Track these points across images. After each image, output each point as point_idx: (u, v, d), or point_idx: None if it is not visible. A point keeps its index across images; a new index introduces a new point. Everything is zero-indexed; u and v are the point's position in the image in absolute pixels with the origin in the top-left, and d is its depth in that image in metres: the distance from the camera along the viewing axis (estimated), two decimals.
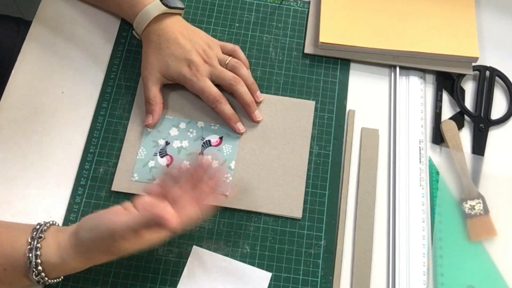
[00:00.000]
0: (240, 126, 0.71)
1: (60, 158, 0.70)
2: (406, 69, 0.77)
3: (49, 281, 0.57)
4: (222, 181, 0.65)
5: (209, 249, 0.66)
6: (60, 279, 0.59)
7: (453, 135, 0.73)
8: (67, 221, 0.66)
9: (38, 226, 0.57)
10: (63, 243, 0.56)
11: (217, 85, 0.71)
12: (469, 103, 0.77)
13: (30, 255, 0.55)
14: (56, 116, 0.72)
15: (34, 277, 0.55)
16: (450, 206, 0.70)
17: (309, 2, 0.81)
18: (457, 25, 0.78)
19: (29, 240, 0.56)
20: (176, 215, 0.54)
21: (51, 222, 0.59)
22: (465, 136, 0.75)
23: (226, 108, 0.70)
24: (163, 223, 0.53)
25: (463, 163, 0.72)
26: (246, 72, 0.72)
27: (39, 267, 0.55)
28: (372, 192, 0.70)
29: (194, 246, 0.66)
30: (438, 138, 0.74)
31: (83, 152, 0.70)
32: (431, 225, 0.69)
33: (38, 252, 0.55)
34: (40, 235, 0.56)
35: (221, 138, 0.71)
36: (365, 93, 0.76)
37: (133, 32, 0.74)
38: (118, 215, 0.55)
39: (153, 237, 0.57)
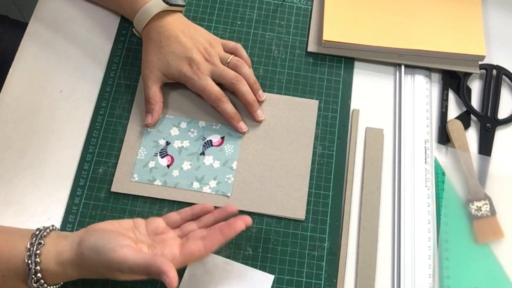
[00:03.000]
0: (242, 126, 0.71)
1: (59, 158, 0.69)
2: (412, 68, 0.77)
3: (46, 285, 0.56)
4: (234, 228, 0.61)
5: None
6: (59, 286, 0.58)
7: (459, 135, 0.73)
8: (65, 222, 0.66)
9: (37, 232, 0.57)
10: (65, 253, 0.55)
11: (219, 84, 0.71)
12: (475, 102, 0.77)
13: (29, 261, 0.54)
14: (55, 115, 0.72)
15: (33, 284, 0.55)
16: (456, 207, 0.70)
17: (312, 0, 0.80)
18: (463, 23, 0.78)
19: (28, 246, 0.55)
20: (176, 277, 0.52)
21: (50, 228, 0.58)
22: (472, 136, 0.75)
23: (228, 107, 0.70)
24: (162, 280, 0.51)
25: (469, 163, 0.72)
26: (248, 70, 0.72)
27: (39, 274, 0.54)
28: (377, 193, 0.70)
29: None
30: (444, 138, 0.74)
31: (82, 152, 0.70)
32: (437, 227, 0.69)
33: (38, 259, 0.54)
34: (39, 241, 0.55)
35: (222, 138, 0.71)
36: (369, 92, 0.76)
37: (133, 30, 0.73)
38: (122, 247, 0.53)
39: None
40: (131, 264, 0.52)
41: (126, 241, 0.54)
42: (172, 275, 0.51)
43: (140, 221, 0.60)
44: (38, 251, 0.54)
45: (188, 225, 0.61)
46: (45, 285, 0.55)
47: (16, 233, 0.58)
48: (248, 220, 0.60)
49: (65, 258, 0.55)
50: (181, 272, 0.64)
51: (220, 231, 0.58)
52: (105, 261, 0.53)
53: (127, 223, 0.59)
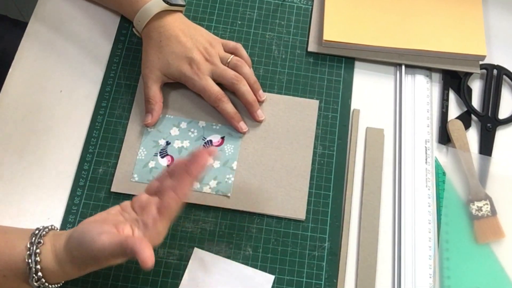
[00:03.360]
0: (242, 125, 0.71)
1: (59, 158, 0.69)
2: (412, 68, 0.77)
3: (50, 286, 0.56)
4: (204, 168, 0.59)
5: (211, 251, 0.65)
6: (60, 284, 0.58)
7: (460, 135, 0.73)
8: (65, 222, 0.66)
9: (37, 231, 0.56)
10: (59, 249, 0.55)
11: (219, 84, 0.71)
12: (476, 102, 0.77)
13: (30, 261, 0.54)
14: (55, 115, 0.71)
15: (34, 283, 0.55)
16: (456, 208, 0.70)
17: None
18: (464, 22, 0.78)
19: (28, 246, 0.55)
20: (151, 255, 0.51)
21: (50, 227, 0.58)
22: (472, 136, 0.74)
23: (228, 107, 0.70)
24: (138, 260, 0.50)
25: (470, 163, 0.71)
26: (248, 70, 0.72)
27: (39, 273, 0.54)
28: (377, 193, 0.70)
29: (195, 248, 0.65)
30: (444, 138, 0.74)
31: (81, 152, 0.70)
32: (438, 227, 0.68)
33: (38, 258, 0.54)
34: (39, 240, 0.55)
35: (223, 138, 0.71)
36: (370, 92, 0.76)
37: (133, 29, 0.73)
38: (100, 235, 0.53)
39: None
40: (110, 250, 0.52)
41: (105, 228, 0.54)
42: (145, 255, 0.50)
43: (126, 203, 0.59)
44: (38, 250, 0.54)
45: (166, 186, 0.58)
46: (46, 284, 0.55)
47: (16, 233, 0.58)
48: (212, 150, 0.58)
49: (60, 256, 0.55)
50: (181, 272, 0.64)
51: (186, 172, 0.56)
52: (89, 253, 0.53)
53: (114, 209, 0.59)
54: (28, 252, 0.54)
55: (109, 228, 0.54)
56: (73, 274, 0.56)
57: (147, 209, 0.57)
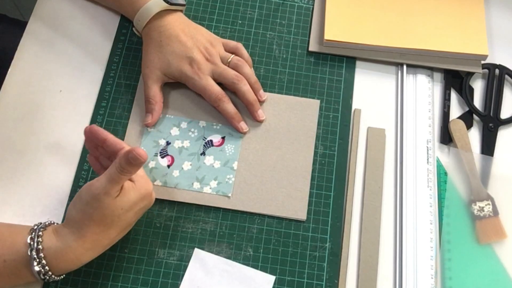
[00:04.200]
0: (243, 126, 0.70)
1: (58, 158, 0.69)
2: (414, 67, 0.77)
3: (50, 273, 0.56)
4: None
5: (211, 252, 0.65)
6: (60, 278, 0.58)
7: (462, 135, 0.73)
8: None
9: (39, 224, 0.59)
10: (60, 229, 0.57)
11: (220, 84, 0.71)
12: (478, 102, 0.76)
13: (32, 242, 0.55)
14: (54, 115, 0.71)
15: (35, 265, 0.55)
16: (458, 208, 0.70)
17: None
18: (465, 22, 0.77)
19: (30, 231, 0.57)
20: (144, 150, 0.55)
21: (52, 222, 0.60)
22: (474, 136, 0.74)
23: (229, 107, 0.70)
24: (133, 157, 0.55)
25: (472, 163, 0.71)
26: (249, 70, 0.72)
27: (41, 254, 0.55)
28: (379, 193, 0.69)
29: (195, 249, 0.65)
30: (446, 138, 0.73)
31: (81, 152, 0.70)
32: (439, 227, 0.68)
33: (40, 239, 0.56)
34: (42, 226, 0.58)
35: (223, 138, 0.70)
36: (371, 91, 0.76)
37: (133, 29, 0.73)
38: (94, 180, 0.57)
39: (135, 194, 0.58)
40: (109, 175, 0.56)
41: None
42: (138, 150, 0.55)
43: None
44: (40, 233, 0.56)
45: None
46: (47, 268, 0.56)
47: (18, 226, 0.60)
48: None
49: (61, 232, 0.57)
50: (181, 273, 0.64)
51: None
52: (89, 196, 0.56)
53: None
54: (30, 236, 0.56)
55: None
56: (77, 251, 0.56)
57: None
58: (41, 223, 0.59)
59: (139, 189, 0.59)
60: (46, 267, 0.56)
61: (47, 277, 0.57)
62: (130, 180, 0.59)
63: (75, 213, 0.57)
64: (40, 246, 0.55)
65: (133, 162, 0.55)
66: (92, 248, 0.58)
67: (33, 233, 0.56)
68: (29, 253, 0.55)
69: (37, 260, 0.55)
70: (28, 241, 0.56)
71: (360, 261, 0.66)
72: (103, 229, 0.57)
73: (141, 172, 0.61)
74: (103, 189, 0.55)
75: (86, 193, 0.56)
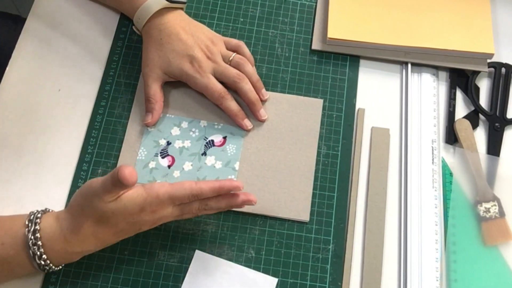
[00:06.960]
0: (247, 123, 0.70)
1: (57, 158, 0.69)
2: (418, 66, 0.77)
3: (45, 256, 0.56)
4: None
5: (213, 254, 0.65)
6: (59, 268, 0.58)
7: (467, 135, 0.72)
8: None
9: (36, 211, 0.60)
10: (61, 214, 0.58)
11: (221, 83, 0.70)
12: (484, 101, 0.76)
13: (30, 224, 0.56)
14: (53, 114, 0.71)
15: (31, 246, 0.55)
16: (464, 209, 0.69)
17: None
18: (471, 20, 0.77)
19: (30, 214, 0.58)
20: (135, 172, 0.54)
21: (52, 210, 0.61)
22: (480, 135, 0.74)
23: (232, 104, 0.70)
24: (121, 180, 0.53)
25: (477, 164, 0.71)
26: (251, 69, 0.71)
27: (37, 234, 0.56)
28: (383, 194, 0.69)
29: (196, 251, 0.65)
30: (451, 137, 0.73)
31: (80, 152, 0.69)
32: (444, 229, 0.68)
33: (38, 220, 0.57)
34: (41, 211, 0.59)
35: (224, 137, 0.70)
36: (375, 91, 0.76)
37: (133, 27, 0.73)
38: (95, 179, 0.57)
39: (133, 207, 0.57)
40: (104, 180, 0.55)
41: None
42: (126, 171, 0.53)
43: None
44: (39, 215, 0.57)
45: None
46: (42, 251, 0.56)
47: (20, 214, 0.60)
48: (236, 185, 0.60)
49: (62, 213, 0.58)
50: (182, 275, 0.64)
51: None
52: (88, 190, 0.56)
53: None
54: (29, 218, 0.57)
55: None
56: (69, 235, 0.57)
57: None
58: (42, 210, 0.59)
59: (140, 203, 0.56)
60: (41, 249, 0.56)
61: (42, 262, 0.56)
62: (143, 187, 0.57)
63: (73, 201, 0.58)
64: (37, 227, 0.56)
65: (118, 182, 0.53)
66: (83, 241, 0.57)
67: (32, 216, 0.57)
68: (26, 234, 0.56)
69: (33, 240, 0.56)
70: (26, 222, 0.57)
71: (364, 263, 0.66)
72: (91, 225, 0.57)
73: (161, 189, 0.58)
74: (96, 191, 0.55)
75: (85, 187, 0.57)
